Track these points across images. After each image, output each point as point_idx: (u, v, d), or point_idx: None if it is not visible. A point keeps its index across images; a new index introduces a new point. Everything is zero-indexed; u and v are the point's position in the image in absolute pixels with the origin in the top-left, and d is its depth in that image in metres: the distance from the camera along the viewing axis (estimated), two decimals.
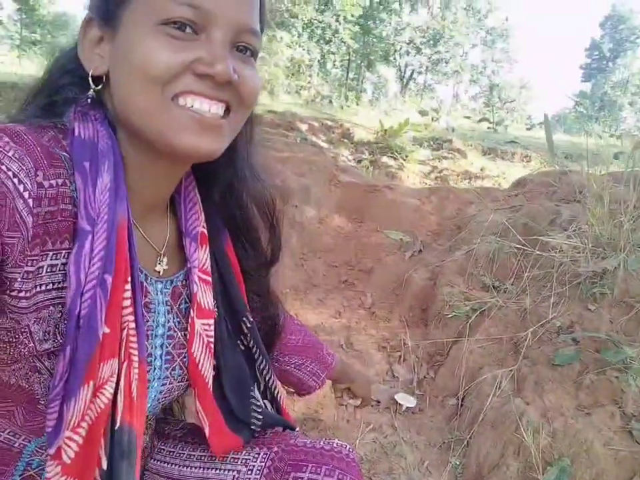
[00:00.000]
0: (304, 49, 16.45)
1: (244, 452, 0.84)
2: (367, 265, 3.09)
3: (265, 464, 0.81)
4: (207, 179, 0.79)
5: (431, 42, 27.93)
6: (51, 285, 0.57)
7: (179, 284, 0.77)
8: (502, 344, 2.10)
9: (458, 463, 1.77)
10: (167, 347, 0.74)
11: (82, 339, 0.56)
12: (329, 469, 0.78)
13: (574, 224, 2.41)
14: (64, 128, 0.62)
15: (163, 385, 0.74)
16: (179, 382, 0.76)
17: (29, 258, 0.54)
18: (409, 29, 27.31)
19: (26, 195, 0.52)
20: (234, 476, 0.82)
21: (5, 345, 0.58)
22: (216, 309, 0.79)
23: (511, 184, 4.05)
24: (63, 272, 0.58)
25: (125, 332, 0.61)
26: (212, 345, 0.76)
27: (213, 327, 0.76)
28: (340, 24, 20.80)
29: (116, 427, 0.60)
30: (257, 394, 0.85)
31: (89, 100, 0.64)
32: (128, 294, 0.61)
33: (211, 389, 0.77)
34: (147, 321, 0.71)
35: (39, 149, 0.55)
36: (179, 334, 0.76)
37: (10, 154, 0.52)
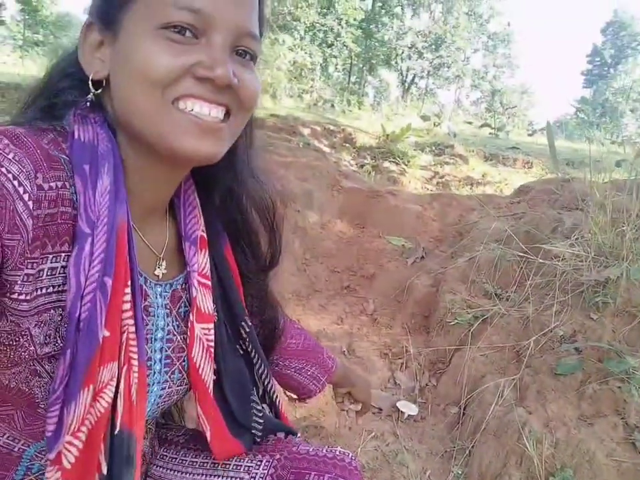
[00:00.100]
0: (306, 52, 16.48)
1: (247, 459, 0.84)
2: (369, 271, 3.09)
3: (268, 471, 0.82)
4: (207, 182, 0.79)
5: (433, 46, 27.98)
6: (51, 287, 0.57)
7: (179, 287, 0.77)
8: (504, 352, 2.10)
9: (460, 473, 1.76)
10: (166, 351, 0.74)
11: (82, 343, 0.56)
12: (332, 477, 0.78)
13: (576, 232, 2.41)
14: (63, 131, 0.62)
15: (162, 389, 0.74)
16: (178, 386, 0.76)
17: (29, 260, 0.54)
18: (410, 33, 27.38)
19: (26, 197, 0.52)
20: None
21: (5, 348, 0.57)
22: (215, 313, 0.78)
23: (513, 191, 4.05)
24: (63, 275, 0.58)
25: (124, 335, 0.61)
26: (212, 349, 0.76)
27: (212, 331, 0.76)
28: (342, 27, 20.86)
29: (116, 432, 0.60)
30: (256, 398, 0.85)
31: (88, 103, 0.64)
32: (128, 297, 0.61)
33: (212, 393, 0.76)
34: (147, 325, 0.71)
35: (38, 151, 0.55)
36: (179, 337, 0.75)
37: (10, 156, 0.52)
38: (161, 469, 0.89)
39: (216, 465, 0.84)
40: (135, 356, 0.62)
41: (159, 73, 0.57)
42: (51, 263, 0.57)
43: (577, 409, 1.74)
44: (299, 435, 0.92)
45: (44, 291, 0.57)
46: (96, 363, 0.57)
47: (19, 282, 0.54)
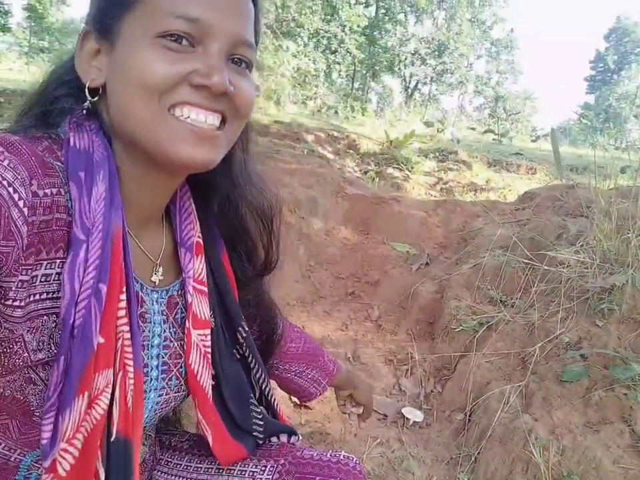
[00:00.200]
0: (310, 59, 16.54)
1: (251, 464, 0.84)
2: (373, 277, 3.10)
3: (272, 476, 0.82)
4: (204, 189, 0.79)
5: (436, 53, 28.07)
6: (45, 294, 0.57)
7: (175, 293, 0.77)
8: (509, 359, 2.10)
9: (466, 479, 1.76)
10: (163, 357, 0.74)
11: (76, 349, 0.56)
12: None
13: (581, 239, 2.42)
14: (58, 139, 0.63)
15: (159, 395, 0.74)
16: (175, 392, 0.76)
17: (23, 267, 0.54)
18: (414, 40, 27.48)
19: (21, 203, 0.52)
20: None
21: None
22: (212, 319, 0.78)
23: (518, 197, 4.06)
24: (57, 281, 0.58)
25: (119, 342, 0.61)
26: (209, 355, 0.76)
27: (209, 337, 0.76)
28: (346, 34, 20.96)
29: (112, 439, 0.60)
30: (255, 401, 0.85)
31: (84, 111, 0.64)
32: (123, 304, 0.61)
33: (211, 399, 0.77)
34: (143, 331, 0.71)
35: (33, 158, 0.55)
36: (175, 344, 0.75)
37: (4, 163, 0.52)
38: (166, 475, 0.89)
39: (221, 471, 0.85)
40: (131, 362, 0.62)
41: (155, 80, 0.58)
42: (45, 269, 0.57)
43: (583, 416, 1.74)
44: (299, 436, 0.92)
45: (37, 297, 0.57)
46: (91, 369, 0.57)
47: (14, 288, 0.54)
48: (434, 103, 28.88)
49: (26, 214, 0.53)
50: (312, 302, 2.90)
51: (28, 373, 0.59)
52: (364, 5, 24.12)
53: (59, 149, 0.61)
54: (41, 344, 0.58)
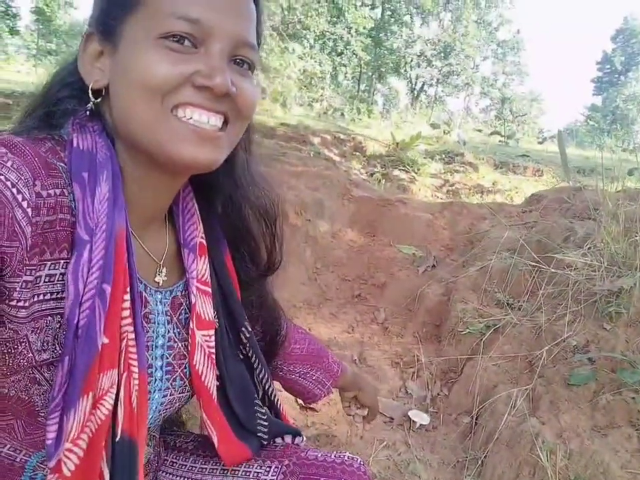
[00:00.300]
0: (316, 61, 16.57)
1: (255, 465, 0.84)
2: (379, 280, 3.10)
3: (277, 477, 0.82)
4: (207, 189, 0.79)
5: (442, 54, 28.05)
6: (49, 294, 0.58)
7: (179, 294, 0.77)
8: (516, 362, 2.09)
9: None
10: (167, 358, 0.74)
11: (80, 350, 0.56)
12: None
13: (589, 242, 2.41)
14: (61, 140, 0.63)
15: (164, 396, 0.74)
16: (180, 393, 0.76)
17: (27, 267, 0.54)
18: (419, 42, 27.48)
19: (25, 204, 0.52)
20: None
21: (3, 356, 0.57)
22: (216, 320, 0.79)
23: (525, 200, 4.05)
24: (61, 282, 0.58)
25: (124, 342, 0.61)
26: (213, 356, 0.76)
27: (213, 338, 0.76)
28: (352, 36, 20.98)
29: (117, 439, 0.60)
30: (259, 402, 0.86)
31: (87, 112, 0.65)
32: (127, 304, 0.61)
33: (216, 399, 0.77)
34: (147, 332, 0.71)
35: (36, 159, 0.56)
36: (179, 344, 0.75)
37: (8, 164, 0.52)
38: (171, 475, 0.89)
39: (225, 471, 0.85)
40: (135, 363, 0.62)
41: (158, 81, 0.58)
42: (49, 269, 0.57)
43: (590, 420, 1.73)
44: (304, 437, 0.92)
45: (41, 297, 0.57)
46: (95, 370, 0.57)
47: (18, 289, 0.54)
48: (440, 104, 28.85)
49: (30, 214, 0.53)
50: (318, 304, 2.90)
51: (32, 373, 0.60)
52: (370, 6, 24.15)
53: (62, 150, 0.62)
54: (45, 344, 0.58)
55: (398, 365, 2.41)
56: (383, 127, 9.26)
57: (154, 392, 0.72)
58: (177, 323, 0.76)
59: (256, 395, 0.85)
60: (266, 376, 0.87)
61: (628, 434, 1.64)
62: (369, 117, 12.04)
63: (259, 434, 0.84)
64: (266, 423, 0.85)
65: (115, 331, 0.60)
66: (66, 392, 0.56)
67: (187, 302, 0.77)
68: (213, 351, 0.76)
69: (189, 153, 0.61)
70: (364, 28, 21.22)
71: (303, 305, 2.82)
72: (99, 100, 0.65)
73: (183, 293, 0.77)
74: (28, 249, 0.53)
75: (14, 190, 0.52)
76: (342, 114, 11.81)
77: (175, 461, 0.90)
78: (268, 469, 0.83)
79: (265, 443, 0.86)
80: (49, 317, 0.58)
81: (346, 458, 0.84)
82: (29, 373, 0.59)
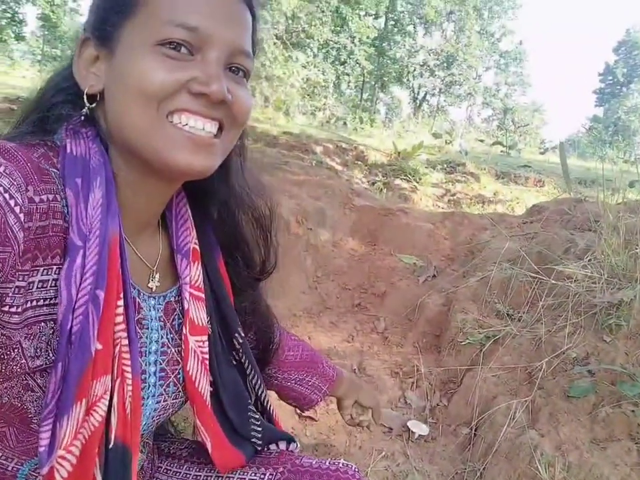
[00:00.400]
0: (319, 70, 16.65)
1: (250, 472, 0.84)
2: (380, 289, 3.10)
3: None
4: (201, 195, 0.80)
5: (445, 64, 28.18)
6: (42, 300, 0.57)
7: (172, 300, 0.77)
8: (516, 373, 2.09)
9: None
10: (160, 364, 0.74)
11: (74, 356, 0.56)
12: None
13: (589, 253, 2.41)
14: (54, 146, 0.63)
15: (157, 402, 0.74)
16: (173, 399, 0.76)
17: (20, 273, 0.54)
18: (422, 51, 27.62)
19: (17, 209, 0.52)
20: None
21: None
22: (209, 325, 0.79)
23: (526, 211, 4.05)
24: (54, 288, 0.58)
25: (117, 348, 0.61)
26: (207, 362, 0.76)
27: (207, 343, 0.76)
28: (355, 45, 21.10)
29: (110, 446, 0.60)
30: (253, 407, 0.85)
31: (82, 117, 0.65)
32: (120, 310, 0.61)
33: (210, 405, 0.77)
34: (140, 338, 0.71)
35: (29, 164, 0.56)
36: (173, 350, 0.75)
37: (0, 170, 0.52)
38: None
39: (220, 479, 0.85)
40: (129, 369, 0.62)
41: (154, 87, 0.59)
42: (42, 275, 0.57)
43: (589, 432, 1.73)
44: (297, 443, 0.92)
45: (34, 303, 0.57)
46: (88, 376, 0.57)
47: (10, 294, 0.54)
48: (442, 114, 28.93)
49: (22, 220, 0.53)
50: (318, 313, 2.90)
51: (26, 379, 0.59)
52: (373, 16, 24.31)
53: (54, 155, 0.62)
54: (38, 350, 0.58)
55: (397, 375, 2.41)
56: (385, 136, 9.30)
57: (147, 398, 0.72)
58: (170, 329, 0.76)
59: (249, 401, 0.85)
60: (259, 381, 0.87)
61: (628, 447, 1.64)
62: (371, 126, 12.09)
63: (252, 439, 0.84)
64: (259, 429, 0.85)
65: (109, 337, 0.59)
66: (59, 398, 0.56)
67: (180, 307, 0.77)
68: (207, 356, 0.76)
69: (184, 159, 0.61)
70: (367, 37, 21.34)
71: (303, 313, 2.82)
72: (93, 105, 0.65)
73: (177, 299, 0.77)
74: (20, 254, 0.53)
75: (6, 195, 0.51)
76: (344, 123, 11.85)
77: (169, 468, 0.90)
78: (262, 476, 0.83)
79: (259, 448, 0.85)
80: (42, 323, 0.58)
81: (340, 465, 0.83)
82: (22, 380, 0.59)
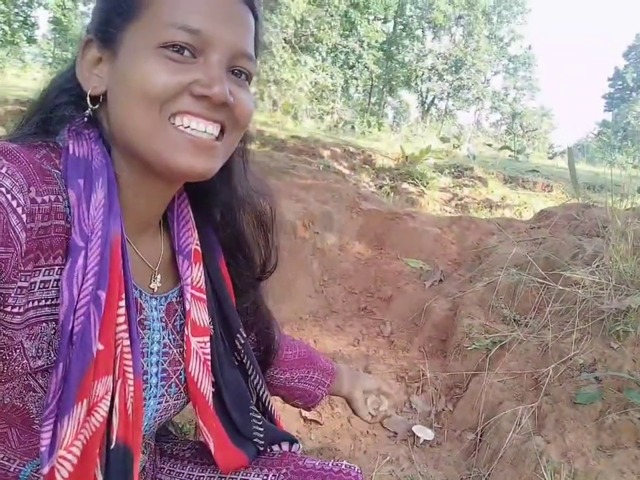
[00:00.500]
0: (327, 74, 16.68)
1: (253, 473, 0.84)
2: (386, 293, 3.10)
3: None
4: (204, 196, 0.80)
5: (453, 68, 28.15)
6: (43, 301, 0.57)
7: (174, 300, 0.77)
8: (522, 379, 2.08)
9: None
10: (162, 364, 0.74)
11: (75, 356, 0.56)
12: None
13: (597, 259, 2.40)
14: (56, 147, 0.63)
15: (159, 403, 0.74)
16: (175, 400, 0.76)
17: (22, 273, 0.54)
18: (431, 56, 27.62)
19: (19, 210, 0.52)
20: None
21: None
22: (211, 326, 0.78)
23: (533, 216, 4.04)
24: (56, 288, 0.58)
25: (119, 349, 0.61)
26: (209, 362, 0.76)
27: (209, 344, 0.76)
28: (364, 49, 21.11)
29: (112, 446, 0.60)
30: (255, 408, 0.86)
31: (85, 119, 0.65)
32: (122, 310, 0.61)
33: (212, 406, 0.77)
34: (142, 338, 0.71)
35: (31, 165, 0.56)
36: (175, 351, 0.75)
37: (2, 170, 0.52)
38: None
39: (222, 479, 0.85)
40: (130, 369, 0.62)
41: (157, 90, 0.59)
42: (44, 276, 0.57)
43: (596, 439, 1.72)
44: (300, 444, 0.92)
45: (35, 303, 0.57)
46: (90, 376, 0.57)
47: (12, 295, 0.54)
48: (450, 118, 28.89)
49: (24, 220, 0.53)
50: (324, 316, 2.90)
51: (27, 380, 0.59)
52: (382, 20, 24.35)
53: (57, 156, 0.62)
54: (40, 351, 0.58)
55: (403, 379, 2.40)
56: (393, 140, 9.30)
57: (149, 398, 0.72)
58: (172, 329, 0.76)
59: (251, 401, 0.85)
60: (260, 382, 0.88)
61: (635, 455, 1.62)
62: (379, 129, 12.08)
63: (255, 440, 0.84)
64: (262, 429, 0.85)
65: (110, 338, 0.59)
66: (60, 399, 0.56)
67: (182, 308, 0.77)
68: (209, 357, 0.76)
69: (186, 162, 0.61)
70: (376, 41, 21.38)
71: (309, 317, 2.82)
72: (96, 107, 0.65)
73: (178, 299, 0.77)
74: (23, 254, 0.53)
75: (8, 196, 0.52)
76: (352, 127, 11.85)
77: (172, 469, 0.90)
78: (265, 477, 0.84)
79: (261, 449, 0.86)
80: (44, 323, 0.58)
81: (343, 466, 0.84)
82: (24, 380, 0.59)
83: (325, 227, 3.42)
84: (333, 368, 1.10)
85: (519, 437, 1.80)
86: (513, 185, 6.68)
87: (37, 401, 0.60)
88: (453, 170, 6.89)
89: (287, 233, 3.06)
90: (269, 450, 0.88)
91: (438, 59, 27.55)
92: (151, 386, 0.72)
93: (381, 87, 26.81)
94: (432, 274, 3.19)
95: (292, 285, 2.92)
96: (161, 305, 0.75)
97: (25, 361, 0.58)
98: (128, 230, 0.66)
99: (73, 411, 0.56)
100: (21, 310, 0.55)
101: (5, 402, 0.60)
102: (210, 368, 0.77)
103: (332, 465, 0.84)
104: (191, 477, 0.88)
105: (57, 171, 0.60)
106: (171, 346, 0.75)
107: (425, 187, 5.90)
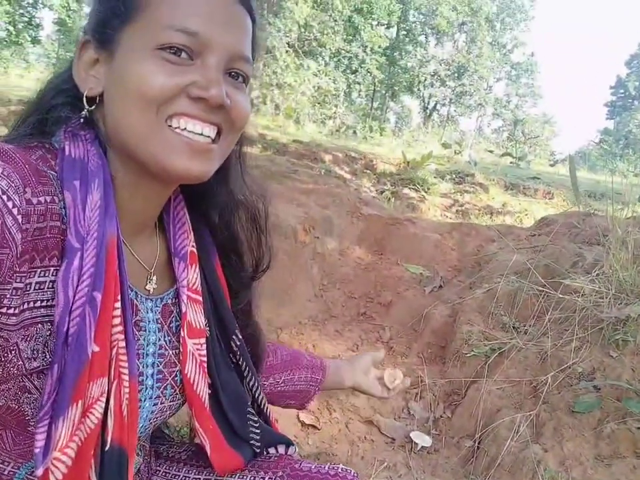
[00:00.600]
0: (330, 78, 16.71)
1: (249, 476, 0.84)
2: (386, 298, 3.09)
3: None
4: (200, 198, 0.80)
5: (456, 74, 28.19)
6: (39, 302, 0.57)
7: (169, 301, 0.77)
8: (521, 387, 2.08)
9: None
10: (158, 366, 0.74)
11: (70, 357, 0.55)
12: None
13: (597, 268, 2.40)
14: (52, 148, 0.63)
15: (154, 404, 0.74)
16: (170, 401, 0.76)
17: (17, 274, 0.54)
18: (433, 62, 27.67)
19: (15, 211, 0.52)
20: None
21: None
22: (207, 328, 0.78)
23: (534, 223, 4.04)
24: (51, 289, 0.58)
25: (114, 350, 0.61)
26: (205, 364, 0.76)
27: (205, 346, 0.76)
28: (367, 54, 21.16)
29: (106, 448, 0.60)
30: (252, 409, 0.85)
31: (81, 120, 0.65)
32: (118, 312, 0.61)
33: (208, 408, 0.77)
34: (138, 340, 0.71)
35: (27, 166, 0.56)
36: (170, 352, 0.75)
37: None
38: None
39: None
40: (126, 371, 0.62)
41: (154, 92, 0.59)
42: (39, 277, 0.57)
43: (594, 448, 1.71)
44: (296, 447, 0.92)
45: (31, 304, 0.57)
46: (85, 378, 0.56)
47: (8, 296, 0.54)
48: (452, 124, 28.92)
49: (20, 221, 0.53)
50: (323, 321, 2.90)
51: (23, 381, 0.59)
52: (385, 26, 24.41)
53: (52, 158, 0.62)
54: (35, 352, 0.58)
55: None
56: (395, 146, 9.32)
57: (144, 400, 0.72)
58: (167, 331, 0.76)
59: (248, 403, 0.85)
60: (255, 383, 0.87)
61: (633, 465, 1.62)
62: (381, 134, 12.11)
63: (251, 442, 0.84)
64: (258, 431, 0.85)
65: (106, 339, 0.59)
66: (55, 400, 0.56)
67: (178, 309, 0.77)
68: (205, 359, 0.76)
69: (182, 164, 0.61)
70: (379, 47, 21.43)
71: (308, 321, 2.82)
72: (92, 108, 0.65)
73: (174, 301, 0.77)
74: (18, 255, 0.53)
75: (4, 197, 0.51)
76: (354, 131, 11.87)
77: (167, 471, 0.89)
78: None
79: (258, 451, 0.85)
80: (39, 325, 0.58)
81: (340, 470, 0.83)
82: (19, 382, 0.59)
83: (326, 232, 3.42)
84: (322, 363, 1.10)
85: (516, 445, 1.80)
86: (514, 192, 6.68)
87: (33, 403, 0.60)
88: (454, 176, 6.89)
89: (287, 237, 3.07)
90: (265, 453, 0.88)
91: (441, 64, 27.60)
92: (146, 387, 0.72)
93: (384, 92, 26.87)
94: (432, 280, 3.19)
95: (292, 289, 2.91)
96: (157, 306, 0.75)
97: (21, 362, 0.57)
98: (124, 231, 0.66)
99: (68, 412, 0.56)
100: (17, 311, 0.55)
101: (0, 404, 0.60)
102: (206, 370, 0.77)
103: (328, 468, 0.83)
104: (187, 478, 0.87)
105: (53, 172, 0.60)
106: (167, 347, 0.75)
107: (426, 192, 5.90)
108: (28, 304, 0.56)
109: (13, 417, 0.61)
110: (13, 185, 0.53)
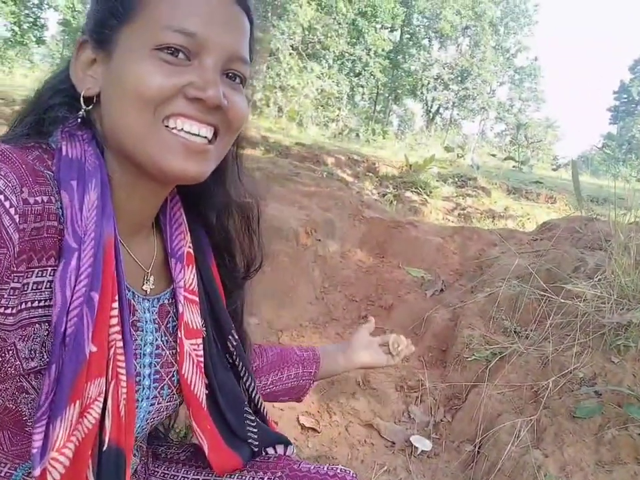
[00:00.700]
0: (333, 81, 16.73)
1: (248, 476, 0.84)
2: (387, 302, 3.09)
3: None
4: (196, 199, 0.80)
5: (459, 78, 28.22)
6: (36, 302, 0.57)
7: (166, 302, 0.77)
8: (522, 392, 2.07)
9: None
10: (155, 366, 0.74)
11: (68, 357, 0.56)
12: None
13: (599, 273, 2.39)
14: (49, 148, 0.63)
15: (151, 404, 0.74)
16: (167, 401, 0.76)
17: (15, 274, 0.54)
18: (437, 65, 27.70)
19: (12, 211, 0.52)
20: None
21: None
22: (204, 328, 0.79)
23: (536, 227, 4.03)
24: (49, 289, 0.58)
25: (112, 350, 0.61)
26: (202, 364, 0.76)
27: (201, 346, 0.76)
28: (370, 57, 21.19)
29: (104, 448, 0.60)
30: (249, 409, 0.86)
31: (78, 120, 0.65)
32: (115, 312, 0.61)
33: (206, 408, 0.77)
34: (135, 340, 0.71)
35: (24, 166, 0.56)
36: (167, 352, 0.75)
37: None
38: None
39: None
40: (123, 371, 0.62)
41: (151, 92, 0.59)
42: (37, 277, 0.57)
43: (594, 454, 1.71)
44: (294, 447, 0.92)
45: (28, 304, 0.57)
46: (82, 378, 0.56)
47: (5, 296, 0.54)
48: (455, 128, 28.92)
49: (17, 221, 0.53)
50: (324, 323, 2.90)
51: (20, 381, 0.59)
52: (389, 29, 24.43)
53: (49, 158, 0.62)
54: (33, 352, 0.58)
55: (402, 389, 2.39)
56: (398, 149, 9.32)
57: (142, 400, 0.72)
58: (164, 331, 0.76)
59: (246, 402, 0.85)
60: (252, 383, 0.88)
61: (634, 471, 1.61)
62: (383, 137, 12.11)
63: (249, 441, 0.84)
64: (256, 430, 0.85)
65: (103, 339, 0.59)
66: (52, 400, 0.56)
67: (175, 310, 0.77)
68: (202, 359, 0.76)
69: (178, 165, 0.61)
70: (382, 50, 21.46)
71: (309, 324, 2.82)
72: (90, 108, 0.66)
73: (171, 301, 0.77)
74: (15, 255, 0.53)
75: (1, 197, 0.51)
76: (357, 134, 11.87)
77: (166, 472, 0.89)
78: None
79: (256, 450, 0.85)
80: (37, 325, 0.58)
81: (339, 470, 0.83)
82: (17, 382, 0.59)
83: (327, 234, 3.42)
84: (315, 354, 1.09)
85: (517, 450, 1.79)
86: (516, 196, 6.68)
87: (30, 403, 0.60)
88: (456, 179, 6.89)
89: (289, 240, 3.07)
90: (264, 453, 0.88)
91: (444, 68, 27.63)
92: (143, 387, 0.72)
93: (387, 95, 26.90)
94: (433, 283, 3.19)
95: (293, 292, 2.91)
96: (154, 306, 0.75)
97: (18, 362, 0.57)
98: (121, 231, 0.66)
99: (66, 412, 0.56)
100: (14, 311, 0.55)
101: None
102: (203, 370, 0.77)
103: (327, 468, 0.84)
104: (186, 479, 0.87)
105: (50, 172, 0.60)
106: (164, 348, 0.75)
107: (428, 195, 5.90)
108: (25, 304, 0.57)
109: (10, 417, 0.61)
110: (9, 184, 0.53)
